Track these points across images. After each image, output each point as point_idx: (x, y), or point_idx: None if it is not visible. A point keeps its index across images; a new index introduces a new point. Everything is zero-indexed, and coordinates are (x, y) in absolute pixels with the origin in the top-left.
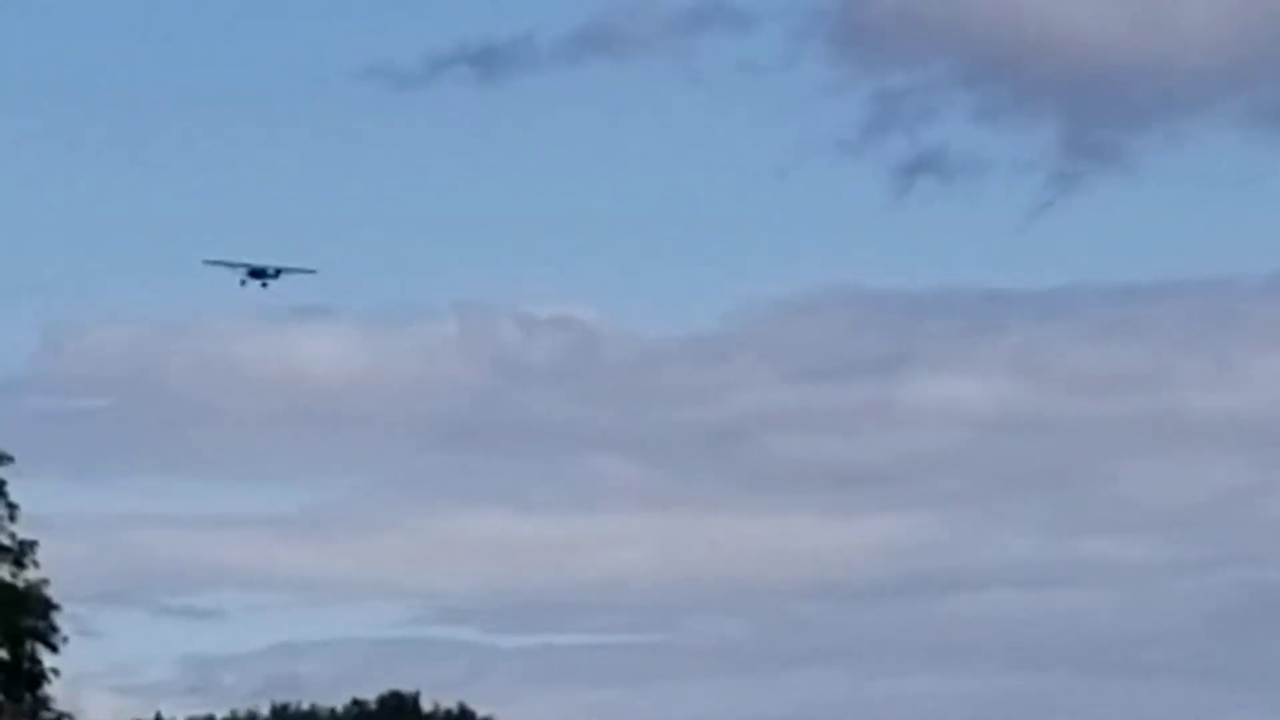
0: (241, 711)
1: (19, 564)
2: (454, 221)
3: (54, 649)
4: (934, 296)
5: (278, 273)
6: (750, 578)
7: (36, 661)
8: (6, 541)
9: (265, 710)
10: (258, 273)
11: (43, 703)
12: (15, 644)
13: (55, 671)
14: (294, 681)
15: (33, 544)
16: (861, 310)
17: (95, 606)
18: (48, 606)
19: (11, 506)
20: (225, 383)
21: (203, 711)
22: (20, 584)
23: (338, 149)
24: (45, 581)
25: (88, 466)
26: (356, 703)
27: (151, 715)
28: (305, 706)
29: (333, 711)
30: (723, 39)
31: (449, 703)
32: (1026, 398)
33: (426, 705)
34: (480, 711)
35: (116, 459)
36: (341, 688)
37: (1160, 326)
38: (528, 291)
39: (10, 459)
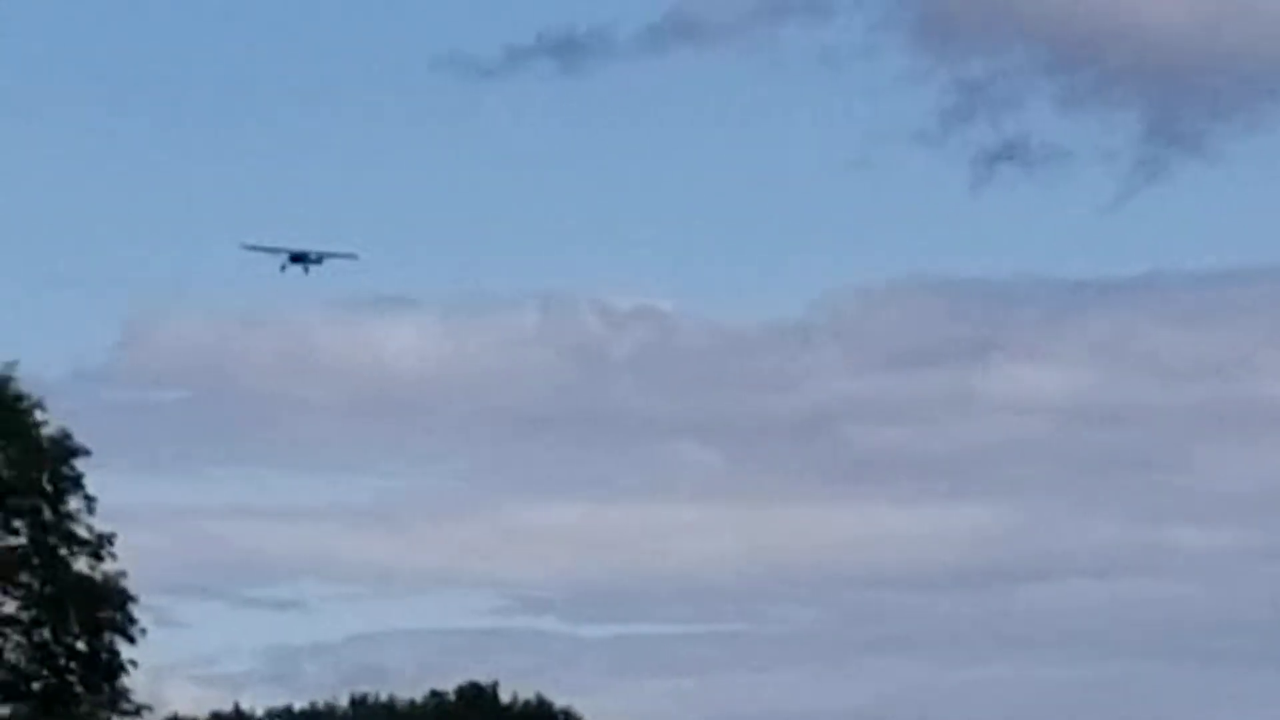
0: (320, 703)
1: (97, 556)
2: (534, 212)
3: (132, 640)
4: (1015, 285)
5: (320, 258)
6: (830, 567)
7: (115, 653)
8: (84, 534)
9: (344, 701)
10: (299, 258)
11: (121, 694)
12: (93, 636)
13: (133, 663)
14: (374, 672)
15: (111, 536)
16: (942, 299)
17: (176, 598)
18: (126, 598)
19: (89, 499)
20: (305, 374)
21: (283, 702)
22: (98, 576)
23: (416, 139)
24: (123, 573)
25: (168, 458)
26: (435, 694)
27: (232, 706)
28: (383, 698)
29: (412, 702)
30: (803, 28)
31: (527, 693)
32: (1108, 386)
33: (505, 696)
34: (558, 702)
35: (197, 451)
36: (422, 678)
37: (1243, 313)
38: (608, 281)
39: (87, 451)
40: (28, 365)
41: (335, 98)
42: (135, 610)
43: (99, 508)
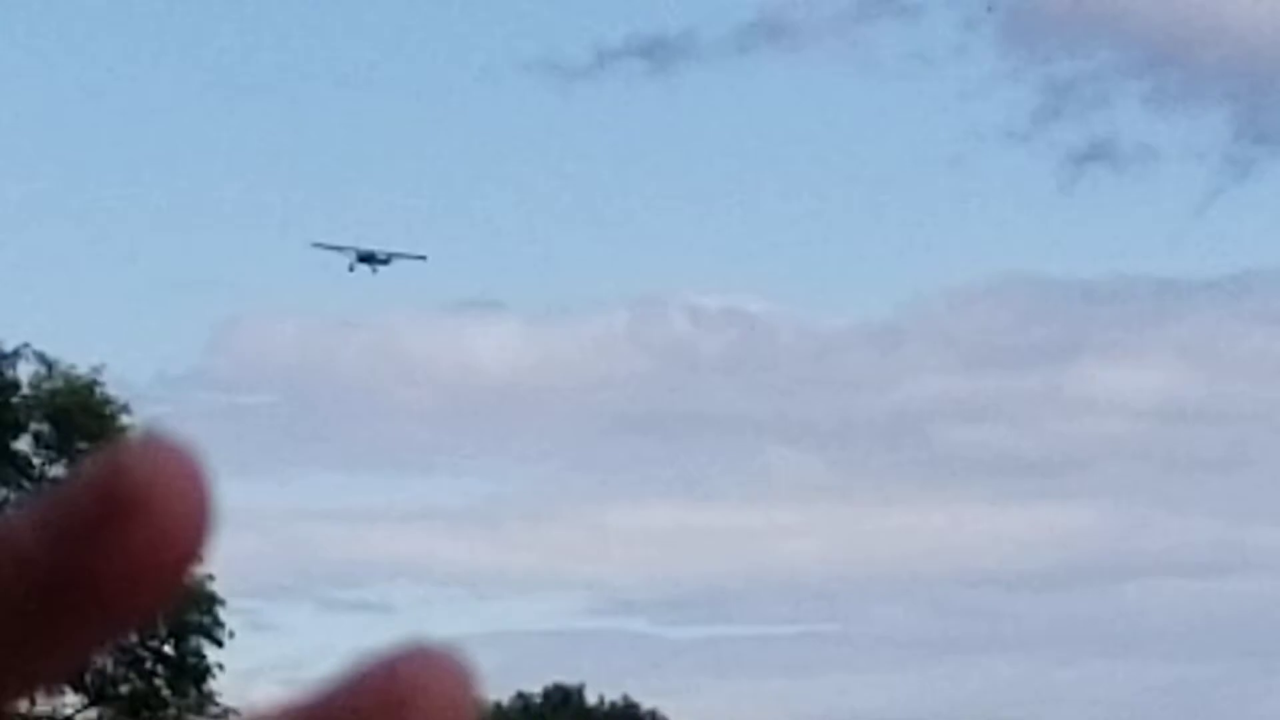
0: None
1: None
2: (624, 214)
3: (219, 644)
4: (1105, 284)
5: (389, 258)
6: (922, 567)
7: (201, 656)
8: None
9: None
10: (367, 258)
11: (208, 698)
12: (180, 639)
13: (220, 666)
14: None
15: None
16: (1032, 298)
17: (267, 601)
18: (212, 601)
19: None
20: (395, 377)
21: None
22: (185, 579)
23: (505, 142)
24: (210, 577)
25: (259, 462)
26: (521, 695)
27: None
28: None
29: (498, 704)
30: (893, 28)
31: (614, 695)
32: (1198, 385)
33: (591, 698)
34: (645, 704)
35: (287, 454)
36: (511, 680)
37: None
38: (698, 283)
39: None
40: (116, 369)
41: (424, 100)
42: (223, 613)
43: None
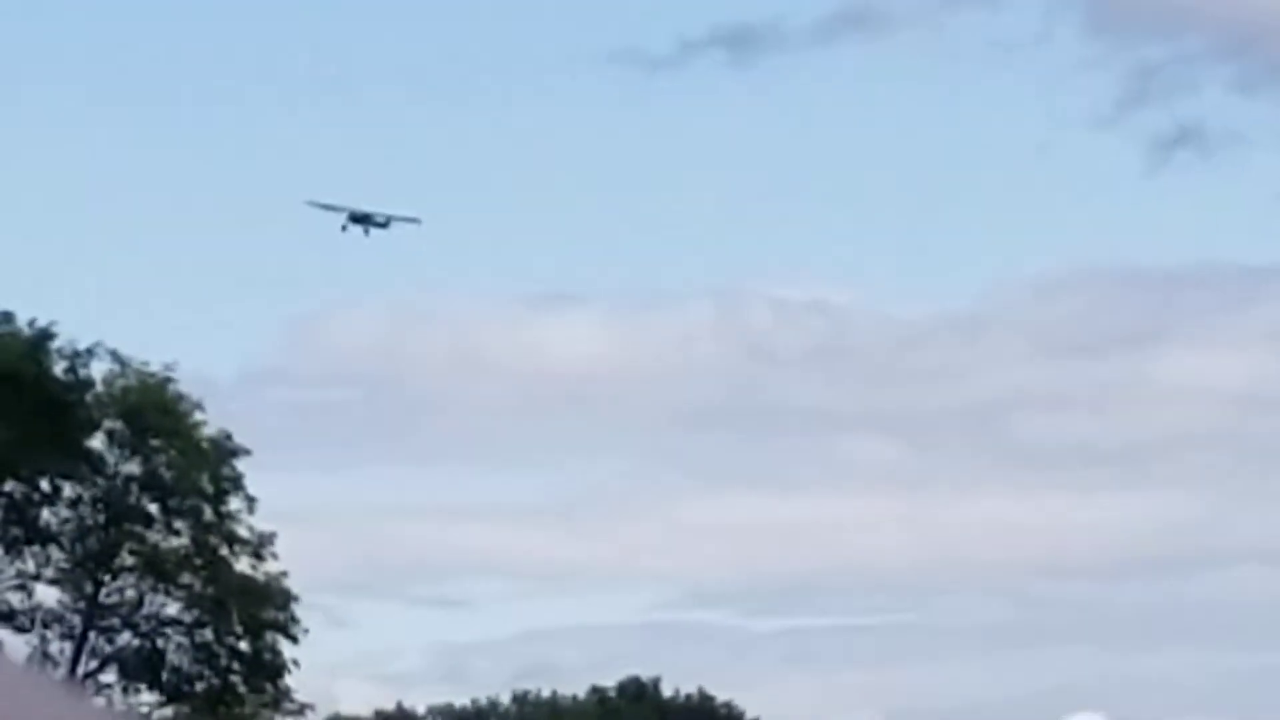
0: (483, 699)
1: (258, 556)
2: (706, 205)
3: (294, 640)
4: (1191, 271)
5: (387, 221)
6: (1004, 557)
7: (277, 652)
8: (246, 534)
9: (506, 698)
10: (360, 218)
11: (284, 693)
12: (255, 636)
13: (295, 663)
14: (543, 668)
15: (271, 536)
16: (1115, 286)
17: (345, 597)
18: (287, 598)
19: (250, 499)
20: (474, 371)
21: (455, 700)
22: (260, 576)
23: (588, 133)
24: (285, 573)
25: (338, 457)
26: (596, 689)
27: (404, 704)
28: (545, 694)
29: (574, 698)
30: (976, 17)
31: (690, 688)
32: None
33: (667, 691)
34: (721, 696)
35: (365, 449)
36: (591, 674)
37: None
38: (779, 275)
39: (248, 452)
40: (196, 366)
41: (509, 92)
42: (298, 609)
43: (269, 508)
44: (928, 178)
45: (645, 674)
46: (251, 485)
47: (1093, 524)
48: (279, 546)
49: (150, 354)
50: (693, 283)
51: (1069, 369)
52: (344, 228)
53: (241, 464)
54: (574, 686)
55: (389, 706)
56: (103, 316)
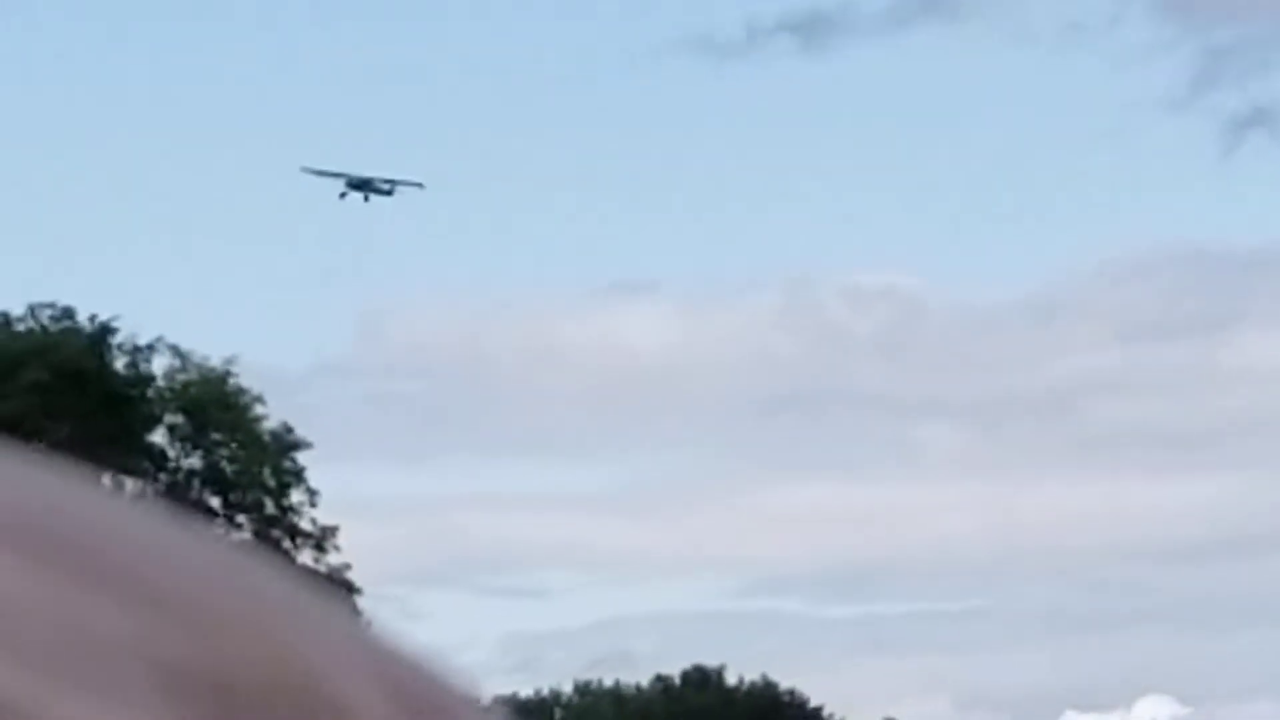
0: (545, 689)
1: (321, 549)
2: (777, 193)
3: None
4: (1265, 254)
5: (391, 188)
6: (1077, 542)
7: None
8: (308, 527)
9: (568, 688)
10: (359, 185)
11: None
12: None
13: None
14: (617, 658)
15: (334, 529)
16: (1189, 269)
17: (418, 588)
18: (351, 590)
19: (312, 493)
20: (546, 362)
21: (520, 690)
22: (323, 569)
23: (658, 122)
24: (348, 566)
25: (409, 449)
26: (660, 678)
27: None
28: (608, 683)
29: (638, 687)
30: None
31: (754, 675)
32: None
33: (731, 679)
34: (785, 684)
35: (437, 441)
36: (664, 662)
37: None
38: (851, 262)
39: (309, 445)
40: (267, 359)
41: (577, 81)
42: (363, 602)
43: (342, 500)
44: (999, 162)
45: (716, 661)
46: (323, 478)
47: (1165, 508)
48: (344, 539)
49: (220, 348)
50: (763, 270)
51: (1142, 353)
52: (342, 195)
53: (308, 457)
54: (647, 675)
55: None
56: (168, 311)
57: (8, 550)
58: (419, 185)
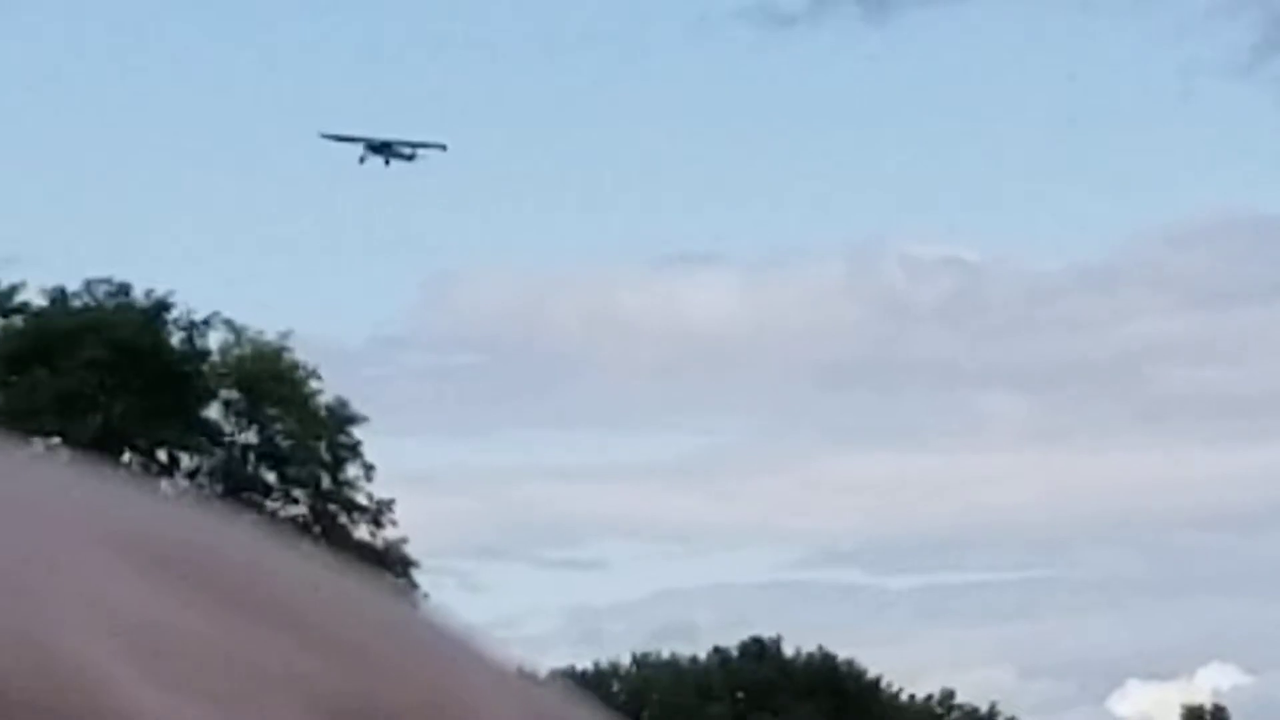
0: (604, 663)
1: (377, 523)
2: (839, 163)
3: None
4: None
5: (412, 152)
6: (1140, 509)
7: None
8: (364, 501)
9: (626, 660)
10: (379, 148)
11: None
12: None
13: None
14: (678, 629)
15: (390, 503)
16: (1252, 235)
17: (480, 561)
18: (406, 564)
19: (368, 466)
20: (607, 334)
21: (578, 663)
22: (379, 543)
23: (720, 91)
24: (404, 539)
25: (470, 422)
26: (718, 650)
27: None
28: (665, 655)
29: (694, 658)
30: None
31: (811, 647)
32: None
33: (789, 650)
34: (841, 654)
35: (498, 413)
36: (727, 633)
37: None
38: (913, 231)
39: (365, 419)
40: (327, 332)
41: (639, 50)
42: (421, 575)
43: (396, 473)
44: (1062, 129)
45: (776, 632)
46: (385, 451)
47: (1229, 475)
48: (405, 513)
49: (281, 322)
50: (825, 240)
51: (1206, 320)
52: (361, 159)
53: (367, 430)
54: (708, 647)
55: (532, 667)
56: (227, 287)
57: (177, 585)
58: (442, 147)
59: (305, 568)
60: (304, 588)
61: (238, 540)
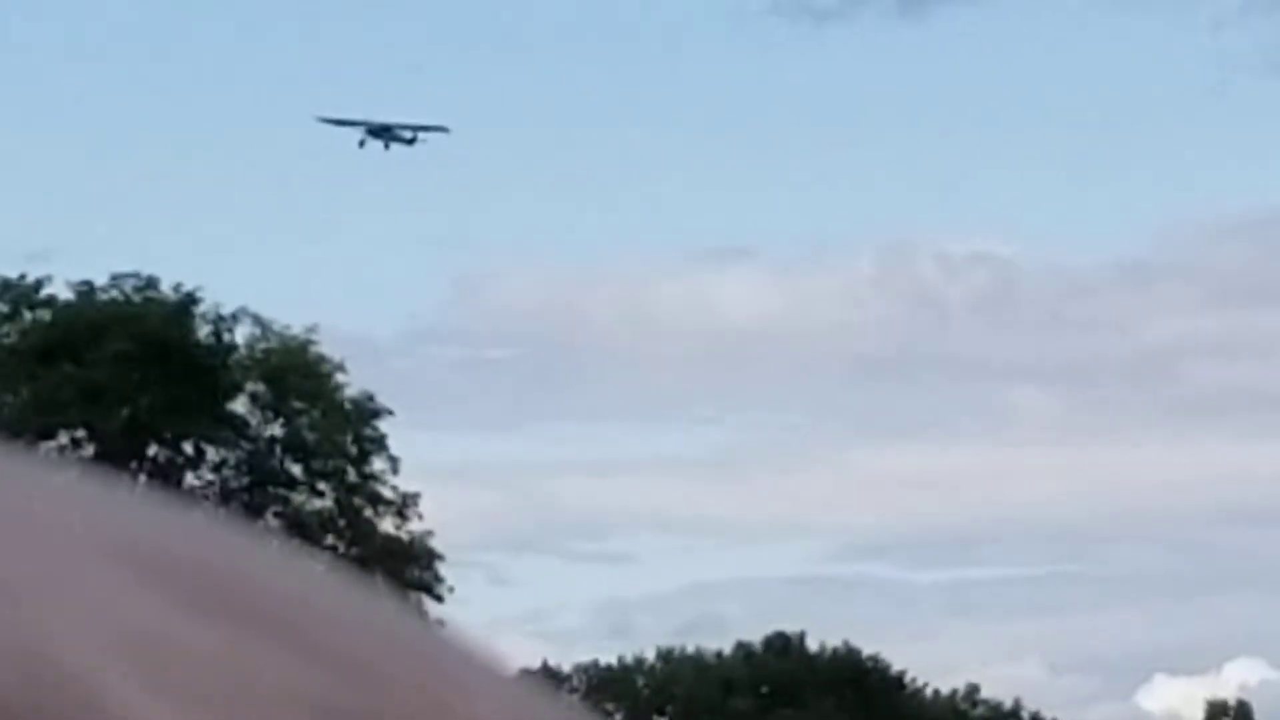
0: (629, 657)
1: (402, 516)
2: (873, 158)
3: (439, 599)
4: None
5: (413, 138)
6: (1171, 505)
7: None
8: (389, 495)
9: (650, 655)
10: (379, 131)
11: None
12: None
13: (441, 623)
14: (708, 623)
15: (415, 496)
16: None
17: (509, 555)
18: (432, 557)
19: (393, 460)
20: (640, 328)
21: (602, 658)
22: (404, 536)
23: (754, 86)
24: (430, 533)
25: (502, 415)
26: (741, 644)
27: (549, 662)
28: (690, 649)
29: (719, 653)
30: None
31: (836, 641)
32: None
33: (814, 645)
34: (866, 649)
35: (530, 407)
36: (755, 627)
37: None
38: (946, 227)
39: (390, 412)
40: (359, 326)
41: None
42: (447, 569)
43: (426, 466)
44: (1096, 125)
45: (804, 627)
46: (415, 444)
47: (1258, 471)
48: (434, 506)
49: (311, 316)
50: (859, 235)
51: (1237, 316)
52: (361, 143)
53: (396, 423)
54: (732, 639)
55: (560, 661)
56: (258, 281)
57: (177, 597)
58: (444, 130)
59: (306, 578)
60: (304, 599)
61: (238, 551)
